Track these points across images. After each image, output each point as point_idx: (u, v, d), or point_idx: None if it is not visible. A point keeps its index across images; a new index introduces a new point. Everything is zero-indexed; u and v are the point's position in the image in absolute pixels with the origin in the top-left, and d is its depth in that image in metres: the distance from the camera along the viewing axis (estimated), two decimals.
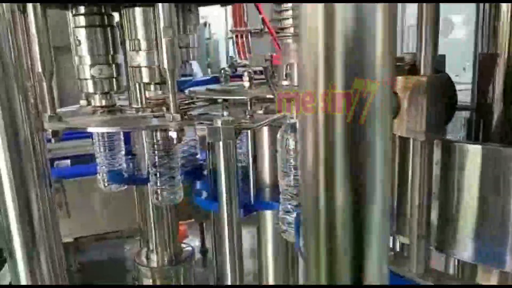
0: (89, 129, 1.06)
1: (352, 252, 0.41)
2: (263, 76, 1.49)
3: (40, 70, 1.05)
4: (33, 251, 0.94)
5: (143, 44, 1.03)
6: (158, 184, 1.26)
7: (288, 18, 0.84)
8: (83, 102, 1.41)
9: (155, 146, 1.24)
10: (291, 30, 0.83)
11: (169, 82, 1.02)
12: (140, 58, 1.04)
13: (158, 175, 1.26)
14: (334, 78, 0.37)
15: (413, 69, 0.67)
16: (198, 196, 1.15)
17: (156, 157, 1.24)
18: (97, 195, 2.00)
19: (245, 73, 1.12)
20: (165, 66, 1.00)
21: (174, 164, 1.27)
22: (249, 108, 0.96)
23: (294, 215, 0.82)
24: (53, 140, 1.12)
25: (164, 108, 1.12)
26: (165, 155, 1.24)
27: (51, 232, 0.98)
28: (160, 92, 1.11)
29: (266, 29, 1.69)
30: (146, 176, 1.36)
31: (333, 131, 0.38)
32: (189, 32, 1.08)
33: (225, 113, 0.88)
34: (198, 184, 1.32)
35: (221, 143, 0.85)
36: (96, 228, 2.09)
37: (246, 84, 1.13)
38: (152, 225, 1.47)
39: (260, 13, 1.67)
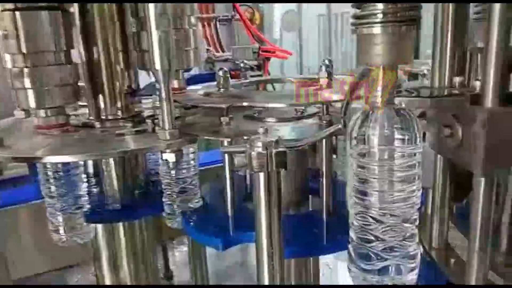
0: (48, 159, 0.76)
1: None
2: (249, 73, 1.28)
3: None
4: None
5: None
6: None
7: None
8: (18, 113, 1.06)
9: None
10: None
11: (162, 88, 0.76)
12: None
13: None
14: None
15: (476, 98, 0.54)
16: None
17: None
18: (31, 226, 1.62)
19: None
20: (157, 67, 0.74)
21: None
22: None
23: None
24: None
25: (149, 122, 0.86)
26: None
27: None
28: None
29: (237, 16, 1.46)
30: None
31: None
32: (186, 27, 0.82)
33: (261, 130, 0.65)
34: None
35: (261, 174, 0.62)
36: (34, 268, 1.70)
37: None
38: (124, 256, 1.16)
39: None
